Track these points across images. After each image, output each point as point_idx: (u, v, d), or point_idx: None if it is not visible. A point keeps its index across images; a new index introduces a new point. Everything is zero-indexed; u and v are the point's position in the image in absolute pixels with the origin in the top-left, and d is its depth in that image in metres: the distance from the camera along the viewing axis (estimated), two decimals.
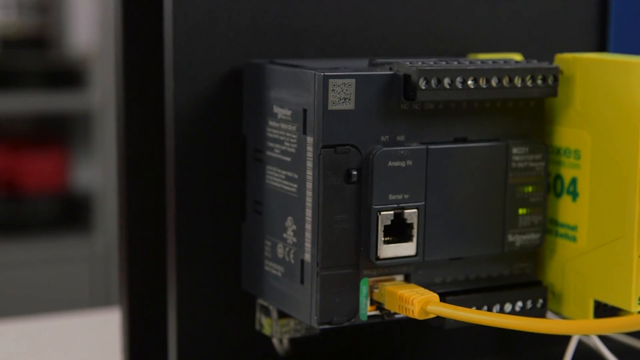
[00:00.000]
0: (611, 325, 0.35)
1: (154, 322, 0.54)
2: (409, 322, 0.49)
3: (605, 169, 0.46)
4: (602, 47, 0.58)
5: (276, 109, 0.46)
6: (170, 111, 0.49)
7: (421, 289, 0.45)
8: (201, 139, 0.49)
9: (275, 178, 0.47)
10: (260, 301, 0.49)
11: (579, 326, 0.37)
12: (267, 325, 0.49)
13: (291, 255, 0.46)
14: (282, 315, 0.48)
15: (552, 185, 0.49)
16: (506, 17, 0.55)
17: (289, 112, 0.45)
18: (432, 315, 0.43)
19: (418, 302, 0.43)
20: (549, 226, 0.49)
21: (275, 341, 0.51)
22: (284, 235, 0.46)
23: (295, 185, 0.45)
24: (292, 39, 0.50)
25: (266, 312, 0.49)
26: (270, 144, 0.47)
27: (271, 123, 0.47)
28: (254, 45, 0.49)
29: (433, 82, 0.44)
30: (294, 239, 0.46)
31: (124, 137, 0.53)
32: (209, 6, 0.48)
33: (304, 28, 0.50)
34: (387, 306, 0.45)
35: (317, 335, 0.50)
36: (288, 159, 0.46)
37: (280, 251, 0.47)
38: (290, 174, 0.46)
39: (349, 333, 0.53)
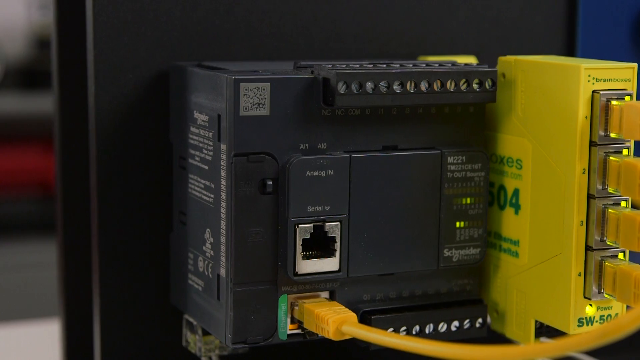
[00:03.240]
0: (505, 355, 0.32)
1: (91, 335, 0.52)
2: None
3: (545, 180, 0.43)
4: (570, 49, 0.54)
5: (196, 115, 0.44)
6: (91, 116, 0.46)
7: (341, 308, 0.42)
8: (125, 146, 0.47)
9: (196, 187, 0.44)
10: (186, 316, 0.47)
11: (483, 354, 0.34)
12: (193, 342, 0.46)
13: (209, 270, 0.43)
14: (207, 331, 0.46)
15: (496, 197, 0.46)
16: (464, 18, 0.52)
17: (206, 118, 0.43)
18: (348, 337, 0.41)
19: (333, 321, 0.41)
20: (493, 240, 0.46)
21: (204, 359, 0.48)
22: (204, 248, 0.44)
23: (212, 196, 0.43)
24: (224, 40, 0.48)
25: (192, 328, 0.46)
26: (192, 151, 0.44)
27: (192, 129, 0.44)
28: (182, 47, 0.47)
29: (354, 86, 0.41)
30: (212, 252, 0.43)
31: (60, 144, 0.51)
32: (133, 5, 0.46)
33: (237, 28, 0.48)
34: (305, 325, 0.42)
35: (247, 354, 0.47)
36: (206, 167, 0.43)
37: (200, 264, 0.44)
38: (208, 183, 0.43)
39: (286, 350, 0.50)
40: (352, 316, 0.41)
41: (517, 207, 0.44)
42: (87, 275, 0.50)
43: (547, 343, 0.33)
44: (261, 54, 0.48)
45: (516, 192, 0.44)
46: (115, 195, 0.47)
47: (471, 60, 0.51)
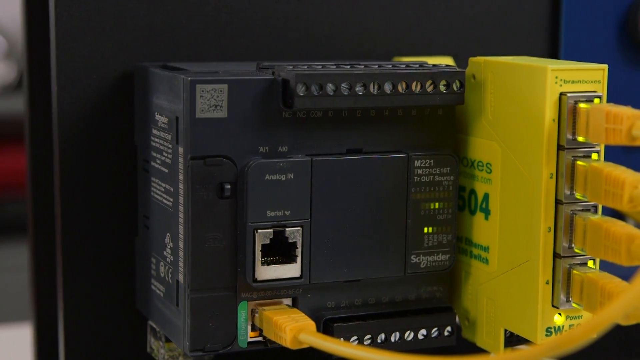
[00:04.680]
0: None
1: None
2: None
3: (513, 185, 0.42)
4: (553, 50, 0.53)
5: (157, 116, 0.43)
6: (54, 117, 0.45)
7: (300, 315, 0.41)
8: (90, 148, 0.46)
9: (157, 191, 0.43)
10: (150, 322, 0.46)
11: None
12: (156, 348, 0.45)
13: (169, 275, 0.42)
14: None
15: (467, 201, 0.44)
16: (443, 17, 0.51)
17: (166, 120, 0.42)
18: (305, 345, 0.39)
19: (290, 330, 0.39)
20: (464, 246, 0.45)
21: None
22: (164, 252, 0.43)
23: (172, 200, 0.42)
24: (192, 40, 0.47)
25: (155, 334, 0.45)
26: (154, 154, 0.44)
27: (154, 131, 0.43)
28: (148, 47, 0.46)
29: (314, 88, 0.40)
30: (171, 257, 0.42)
31: (30, 146, 0.50)
32: (97, 4, 0.45)
33: (205, 29, 0.47)
34: (265, 333, 0.41)
35: None
36: (166, 170, 0.42)
37: (162, 270, 0.43)
38: (167, 186, 0.42)
39: (247, 358, 0.49)
40: (311, 324, 0.40)
41: (487, 212, 0.43)
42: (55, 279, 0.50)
43: (489, 357, 0.32)
44: (231, 55, 0.47)
45: (486, 197, 0.43)
46: (80, 198, 0.46)
47: (447, 61, 0.49)
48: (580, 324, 0.38)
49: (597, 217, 0.39)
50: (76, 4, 0.45)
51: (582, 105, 0.39)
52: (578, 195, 0.39)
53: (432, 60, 0.46)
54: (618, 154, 0.51)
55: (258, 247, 0.40)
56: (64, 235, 0.46)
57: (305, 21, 0.48)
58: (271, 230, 0.41)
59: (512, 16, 0.52)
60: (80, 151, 0.45)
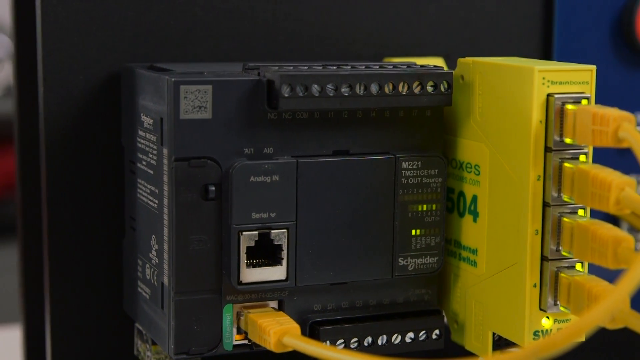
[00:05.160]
0: None
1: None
2: None
3: (501, 187, 0.41)
4: (547, 51, 0.52)
5: (143, 118, 0.43)
6: (41, 118, 0.45)
7: (285, 319, 0.40)
8: (77, 149, 0.45)
9: (143, 192, 0.43)
10: (137, 324, 0.45)
11: None
12: (143, 351, 0.45)
13: (155, 277, 0.42)
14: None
15: (456, 203, 0.44)
16: (434, 18, 0.50)
17: (151, 121, 0.42)
18: (289, 349, 0.39)
19: (274, 333, 0.39)
20: (453, 248, 0.44)
21: None
22: (150, 255, 0.43)
23: (157, 201, 0.41)
24: (179, 41, 0.46)
25: (142, 337, 0.45)
26: (140, 156, 0.43)
27: (140, 132, 0.43)
28: (135, 48, 0.46)
29: (299, 89, 0.40)
30: (157, 260, 0.42)
31: (19, 147, 0.50)
32: (83, 4, 0.45)
33: (193, 29, 0.46)
34: (250, 336, 0.41)
35: None
36: (151, 172, 0.42)
37: (147, 272, 0.43)
38: (153, 188, 0.42)
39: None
40: (295, 327, 0.39)
41: (475, 215, 0.43)
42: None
43: None
44: (219, 56, 0.47)
45: (475, 199, 0.43)
46: (67, 200, 0.46)
47: (438, 62, 0.49)
48: (562, 328, 0.37)
49: (584, 220, 0.38)
50: (63, 5, 0.44)
51: (569, 106, 0.39)
52: (565, 198, 0.39)
53: (422, 61, 0.46)
54: (612, 156, 0.51)
55: (243, 250, 0.40)
56: (51, 237, 0.46)
57: (294, 22, 0.48)
58: (256, 232, 0.40)
59: (504, 16, 0.52)
60: (68, 152, 0.45)
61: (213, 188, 0.40)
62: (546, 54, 0.52)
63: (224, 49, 0.47)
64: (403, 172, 0.42)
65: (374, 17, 0.49)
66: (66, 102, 0.45)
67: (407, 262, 0.43)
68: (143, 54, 0.46)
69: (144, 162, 0.43)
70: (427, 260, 0.43)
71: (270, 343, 0.39)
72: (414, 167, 0.42)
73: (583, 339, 0.40)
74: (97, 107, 0.45)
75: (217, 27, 0.47)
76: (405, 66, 0.42)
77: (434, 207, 0.43)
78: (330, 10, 0.48)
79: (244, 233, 0.40)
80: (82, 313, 0.46)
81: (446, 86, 0.42)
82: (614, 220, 0.52)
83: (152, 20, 0.46)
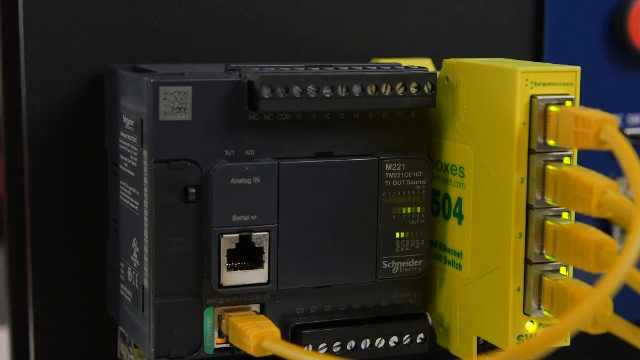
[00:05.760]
0: None
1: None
2: None
3: (485, 189, 0.41)
4: (537, 52, 0.52)
5: (124, 119, 0.42)
6: (24, 120, 0.45)
7: (266, 322, 0.40)
8: (60, 151, 0.45)
9: (125, 194, 0.43)
10: (120, 327, 0.45)
11: None
12: (126, 354, 0.45)
13: (136, 280, 0.42)
14: None
15: (441, 206, 0.44)
16: (423, 18, 0.50)
17: (132, 123, 0.41)
18: (269, 353, 0.39)
19: (254, 337, 0.39)
20: (438, 251, 0.44)
21: None
22: (131, 257, 0.42)
23: (137, 203, 0.41)
24: (164, 42, 0.46)
25: (125, 340, 0.45)
26: (122, 157, 0.43)
27: (122, 134, 0.43)
28: (119, 49, 0.45)
29: (279, 90, 0.39)
30: (138, 262, 0.41)
31: (5, 148, 0.49)
32: (66, 4, 0.44)
33: (178, 30, 0.46)
34: (230, 339, 0.40)
35: None
36: (132, 173, 0.42)
37: (129, 275, 0.43)
38: (134, 190, 0.41)
39: None
40: (275, 331, 0.39)
41: (460, 217, 0.42)
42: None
43: None
44: (204, 57, 0.47)
45: (459, 202, 0.42)
46: (51, 201, 0.45)
47: (426, 63, 0.49)
48: (537, 333, 0.37)
49: (568, 223, 0.38)
50: (45, 5, 0.44)
51: (552, 108, 0.38)
52: (549, 201, 0.39)
53: (410, 62, 0.46)
54: (602, 157, 0.50)
55: (223, 252, 0.40)
56: (34, 239, 0.45)
57: (281, 22, 0.47)
58: (237, 235, 0.40)
59: (495, 17, 0.51)
60: (52, 154, 0.45)
61: (193, 190, 0.39)
62: (537, 55, 0.52)
63: (209, 50, 0.47)
64: (387, 174, 0.42)
65: (363, 18, 0.49)
66: (50, 104, 0.45)
67: (391, 265, 0.42)
68: (127, 55, 0.45)
69: (125, 164, 0.42)
70: (411, 263, 0.43)
71: (250, 347, 0.39)
72: (398, 169, 0.42)
73: (568, 343, 0.40)
74: (80, 108, 0.45)
75: (202, 28, 0.46)
76: (388, 67, 0.42)
77: (418, 209, 0.42)
78: (318, 11, 0.48)
79: (224, 236, 0.40)
80: (66, 315, 0.46)
81: (430, 87, 0.41)
82: (605, 223, 0.52)
83: (137, 21, 0.45)
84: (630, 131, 0.53)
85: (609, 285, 0.31)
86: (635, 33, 0.52)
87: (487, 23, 0.51)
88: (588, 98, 0.51)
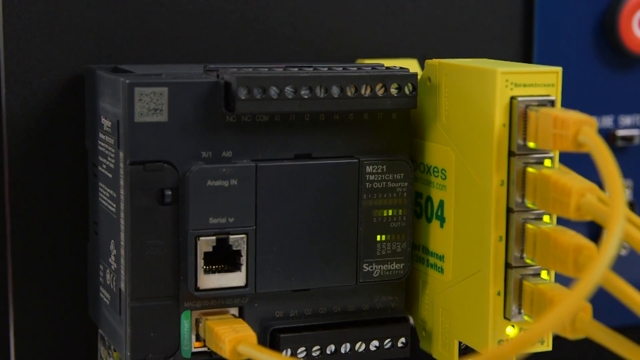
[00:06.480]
0: None
1: None
2: None
3: (466, 192, 0.40)
4: (527, 53, 0.51)
5: (103, 120, 0.42)
6: (3, 121, 0.44)
7: (242, 326, 0.39)
8: (40, 152, 0.45)
9: (104, 196, 0.42)
10: (100, 330, 0.45)
11: None
12: (105, 357, 0.44)
13: (114, 283, 0.41)
14: None
15: (424, 208, 0.43)
16: (410, 19, 0.49)
17: (109, 124, 0.41)
18: (245, 357, 0.38)
19: (229, 341, 0.38)
20: (421, 254, 0.43)
21: None
22: (109, 260, 0.42)
23: (115, 205, 0.41)
24: (146, 42, 0.46)
25: (104, 342, 0.44)
26: (101, 159, 0.42)
27: (100, 135, 0.42)
28: (100, 49, 0.45)
29: (256, 91, 0.39)
30: (115, 265, 0.41)
31: None
32: (46, 4, 0.44)
33: (159, 30, 0.46)
34: (207, 343, 0.40)
35: None
36: (110, 175, 0.41)
37: (108, 277, 0.42)
38: (112, 192, 0.41)
39: None
40: (251, 335, 0.39)
41: (442, 220, 0.42)
42: None
43: None
44: (186, 58, 0.46)
45: (441, 204, 0.42)
46: (31, 203, 0.45)
47: (412, 63, 0.48)
48: (509, 339, 0.36)
49: (547, 226, 0.37)
50: (25, 5, 0.44)
51: (532, 109, 0.37)
52: (529, 204, 0.38)
53: (395, 63, 0.45)
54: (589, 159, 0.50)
55: (200, 255, 0.39)
56: (14, 241, 0.45)
57: (264, 22, 0.47)
58: (214, 237, 0.39)
59: (483, 17, 0.51)
60: (31, 155, 0.45)
61: (169, 192, 0.39)
62: (526, 56, 0.51)
63: (191, 51, 0.46)
64: (367, 176, 0.41)
65: (348, 18, 0.48)
66: (29, 104, 0.44)
67: (372, 268, 0.42)
68: (108, 55, 0.45)
69: (104, 166, 0.42)
70: (392, 266, 0.42)
71: (226, 351, 0.38)
72: (379, 171, 0.41)
73: (549, 348, 0.39)
74: (61, 109, 0.45)
75: (184, 29, 0.46)
76: (369, 68, 0.41)
77: (399, 212, 0.42)
78: (302, 11, 0.47)
79: (201, 238, 0.39)
80: (46, 318, 0.45)
81: (411, 88, 0.41)
82: (597, 227, 0.51)
83: (117, 21, 0.45)
84: (621, 132, 0.52)
85: (584, 288, 0.31)
86: (626, 33, 0.51)
87: (475, 24, 0.50)
88: (579, 99, 0.50)
